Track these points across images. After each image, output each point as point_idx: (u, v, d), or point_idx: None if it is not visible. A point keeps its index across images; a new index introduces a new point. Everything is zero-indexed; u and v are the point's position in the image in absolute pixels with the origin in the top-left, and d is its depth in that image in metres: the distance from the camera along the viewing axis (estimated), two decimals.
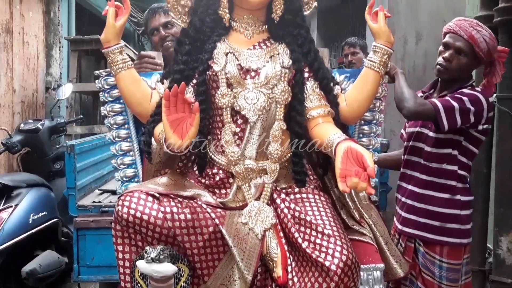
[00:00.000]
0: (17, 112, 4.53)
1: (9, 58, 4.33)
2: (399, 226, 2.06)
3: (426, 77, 4.19)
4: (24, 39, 4.65)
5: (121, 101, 1.71)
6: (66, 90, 4.02)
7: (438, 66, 1.95)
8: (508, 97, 2.15)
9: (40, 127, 3.66)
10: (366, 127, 1.79)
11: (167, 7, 1.64)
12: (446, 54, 1.90)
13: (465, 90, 1.88)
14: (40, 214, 2.81)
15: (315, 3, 1.66)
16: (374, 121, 1.79)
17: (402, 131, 2.22)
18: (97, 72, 1.74)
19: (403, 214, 2.05)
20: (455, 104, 1.81)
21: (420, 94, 2.09)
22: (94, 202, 2.44)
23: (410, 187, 2.04)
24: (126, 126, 1.75)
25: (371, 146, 1.79)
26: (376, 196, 2.87)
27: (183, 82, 1.37)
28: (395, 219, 2.15)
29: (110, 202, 2.42)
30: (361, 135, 1.80)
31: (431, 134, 1.98)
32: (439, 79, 2.01)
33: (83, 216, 2.31)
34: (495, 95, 2.20)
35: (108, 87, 1.72)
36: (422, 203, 1.99)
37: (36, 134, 3.62)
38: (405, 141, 2.13)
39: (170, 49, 2.13)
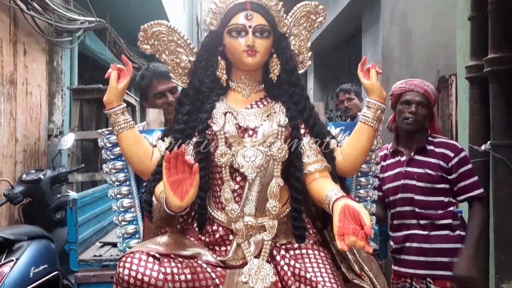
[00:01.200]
0: (19, 161, 4.57)
1: (13, 109, 4.42)
2: (410, 271, 2.20)
3: None
4: (28, 89, 4.76)
5: (122, 158, 1.75)
6: (68, 140, 4.08)
7: (406, 121, 2.22)
8: (502, 145, 2.19)
9: (42, 177, 3.70)
10: (363, 179, 1.82)
11: (168, 69, 1.70)
12: (412, 109, 2.20)
13: (463, 155, 2.19)
14: (41, 267, 2.79)
15: (309, 62, 1.74)
16: (371, 173, 1.82)
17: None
18: (99, 130, 1.79)
19: (412, 258, 2.20)
20: (474, 178, 2.17)
21: (384, 151, 2.36)
22: (95, 256, 2.43)
23: (412, 232, 2.20)
24: (127, 183, 1.78)
25: (368, 198, 1.82)
26: (376, 244, 2.88)
27: (183, 145, 1.42)
28: (396, 267, 2.27)
29: (111, 255, 2.41)
30: (358, 187, 1.83)
31: (419, 184, 2.20)
32: (398, 134, 2.33)
33: (84, 271, 2.30)
34: (489, 142, 2.25)
35: (110, 145, 1.76)
36: (428, 243, 2.17)
37: (38, 185, 3.65)
38: (386, 196, 2.33)
39: (171, 115, 2.19)
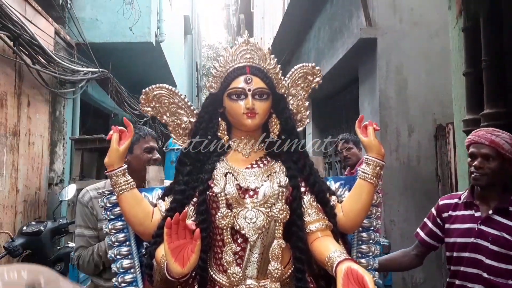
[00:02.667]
0: (20, 211, 4.56)
1: (15, 160, 4.45)
2: None
3: (421, 167, 4.28)
4: (30, 139, 4.81)
5: (122, 218, 1.73)
6: (70, 191, 4.09)
7: (473, 175, 2.03)
8: None
9: (43, 229, 3.67)
10: (364, 234, 1.81)
11: (169, 129, 1.73)
12: (476, 163, 1.99)
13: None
14: None
15: (308, 120, 1.77)
16: (372, 228, 1.81)
17: (423, 236, 2.23)
18: (100, 191, 1.80)
19: None
20: None
21: (455, 200, 2.16)
22: None
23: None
24: (127, 243, 1.76)
25: (370, 253, 1.80)
26: None
27: (185, 210, 1.43)
28: None
29: None
30: (360, 242, 1.81)
31: (493, 247, 1.97)
32: (475, 186, 2.09)
33: None
34: None
35: (110, 205, 1.76)
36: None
37: (38, 237, 3.62)
38: (448, 250, 2.14)
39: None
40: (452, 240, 2.10)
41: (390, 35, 4.35)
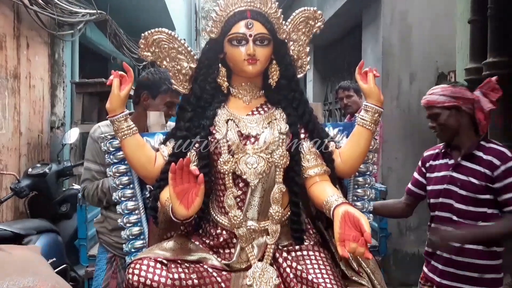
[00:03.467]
0: (23, 154, 4.63)
1: (17, 102, 4.46)
2: (438, 279, 2.15)
3: (421, 115, 4.29)
4: (31, 82, 4.79)
5: (125, 162, 1.77)
6: (73, 135, 4.14)
7: (436, 134, 2.18)
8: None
9: (48, 171, 3.76)
10: (360, 179, 1.86)
11: (169, 75, 1.74)
12: (429, 124, 2.19)
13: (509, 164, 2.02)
14: (50, 261, 2.87)
15: (308, 66, 1.78)
16: (368, 173, 1.86)
17: (410, 185, 2.35)
18: (102, 135, 1.83)
19: (441, 267, 2.14)
20: None
21: (436, 150, 2.28)
22: None
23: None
24: (131, 186, 1.81)
25: (366, 197, 1.86)
26: (376, 241, 2.94)
27: (188, 156, 1.46)
28: (426, 269, 2.25)
29: None
30: (356, 186, 1.87)
31: (461, 192, 2.09)
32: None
33: (93, 266, 2.37)
34: None
35: (113, 149, 1.79)
36: (460, 257, 2.08)
37: (44, 178, 3.72)
38: (428, 197, 2.26)
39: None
40: (430, 187, 2.23)
41: None
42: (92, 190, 2.25)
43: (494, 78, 2.07)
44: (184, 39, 1.72)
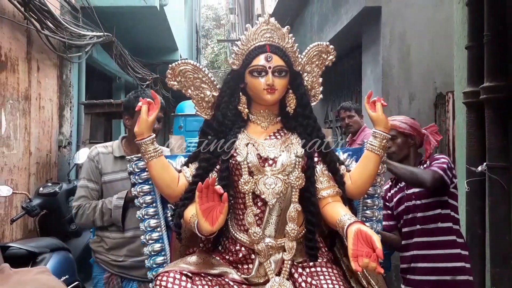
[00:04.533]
0: (33, 173, 4.74)
1: (27, 123, 4.59)
2: None
3: None
4: (41, 104, 4.93)
5: (149, 182, 1.90)
6: (82, 155, 4.25)
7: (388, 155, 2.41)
8: (497, 166, 2.35)
9: (58, 190, 3.87)
10: (369, 201, 1.98)
11: (193, 102, 1.86)
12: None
13: (437, 156, 2.35)
14: (63, 278, 2.95)
15: (321, 96, 1.91)
16: (376, 195, 1.98)
17: (384, 223, 2.53)
18: (128, 157, 1.95)
19: (418, 277, 2.33)
20: (440, 166, 2.28)
21: (389, 184, 2.57)
22: None
23: (413, 252, 2.33)
24: (154, 204, 1.93)
25: (374, 218, 1.98)
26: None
27: (214, 176, 1.58)
28: (404, 287, 2.42)
29: None
30: (365, 208, 1.98)
31: (417, 202, 2.38)
32: None
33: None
34: (485, 164, 2.42)
35: (138, 170, 1.92)
36: (430, 263, 2.29)
37: (54, 198, 3.83)
38: (398, 220, 2.50)
39: None
40: (396, 212, 2.51)
41: (394, 4, 4.40)
42: (89, 209, 2.35)
43: (434, 125, 2.58)
44: (206, 68, 1.85)
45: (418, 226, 2.36)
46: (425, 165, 2.40)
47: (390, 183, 2.59)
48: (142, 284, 2.39)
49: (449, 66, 3.52)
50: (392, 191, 2.55)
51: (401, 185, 2.49)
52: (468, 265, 2.28)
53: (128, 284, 2.39)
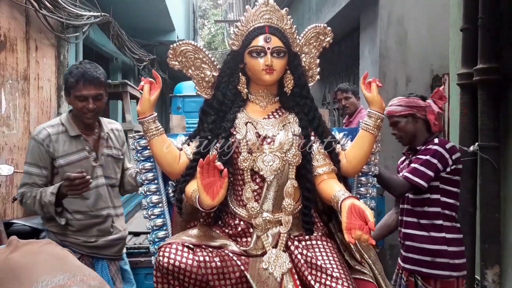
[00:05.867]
0: None
1: (26, 103, 4.61)
2: (402, 264, 2.42)
3: None
4: (39, 84, 4.94)
5: (151, 160, 1.96)
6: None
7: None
8: (489, 146, 2.42)
9: None
10: (363, 178, 2.05)
11: (193, 82, 1.91)
12: (392, 131, 2.48)
13: (428, 147, 2.34)
14: None
15: (318, 76, 1.97)
16: (370, 173, 2.05)
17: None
18: (131, 135, 2.01)
19: (403, 253, 2.41)
20: (419, 166, 2.29)
21: (404, 158, 2.56)
22: None
23: (403, 230, 2.41)
24: (155, 181, 1.99)
25: (368, 195, 2.05)
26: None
27: (214, 152, 1.64)
28: (399, 258, 2.50)
29: (134, 244, 2.64)
30: (359, 185, 2.06)
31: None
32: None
33: None
34: (477, 143, 2.49)
35: (140, 148, 1.98)
36: (414, 242, 2.35)
37: None
38: None
39: (89, 121, 2.27)
40: None
41: None
42: (29, 199, 2.21)
43: (441, 88, 2.45)
44: (205, 49, 1.90)
45: (406, 206, 2.43)
46: (429, 146, 2.36)
47: (403, 157, 2.59)
48: (113, 262, 2.38)
49: (446, 48, 3.55)
50: (402, 165, 2.56)
51: (407, 161, 2.48)
52: (451, 249, 2.30)
53: (98, 263, 2.33)
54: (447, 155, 2.30)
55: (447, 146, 2.34)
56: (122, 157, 2.47)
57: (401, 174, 2.37)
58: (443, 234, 2.30)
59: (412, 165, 2.32)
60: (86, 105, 2.22)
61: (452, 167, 2.32)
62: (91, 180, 2.16)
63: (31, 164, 2.25)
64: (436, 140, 2.36)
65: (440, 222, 2.31)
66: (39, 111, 4.96)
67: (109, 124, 2.46)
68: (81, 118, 2.28)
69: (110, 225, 2.35)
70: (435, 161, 2.27)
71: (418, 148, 2.42)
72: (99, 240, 2.31)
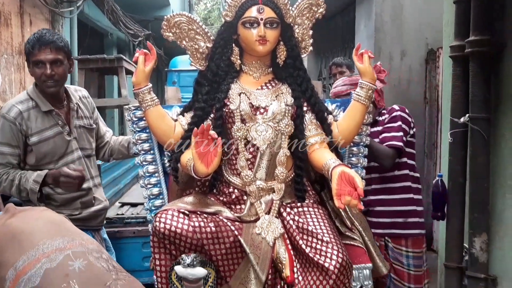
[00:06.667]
0: None
1: (22, 78, 4.62)
2: (373, 230, 2.44)
3: (410, 90, 4.53)
4: None
5: (147, 130, 1.99)
6: None
7: None
8: (479, 117, 2.44)
9: None
10: (354, 148, 2.10)
11: (188, 53, 1.93)
12: None
13: (393, 115, 2.40)
14: None
15: (311, 48, 1.99)
16: (361, 143, 2.10)
17: None
18: (126, 106, 2.04)
19: (373, 219, 2.47)
20: (396, 133, 2.37)
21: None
22: (118, 214, 2.72)
23: (372, 197, 2.47)
24: (151, 151, 2.03)
25: (359, 164, 2.11)
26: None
27: (209, 122, 1.68)
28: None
29: (132, 214, 2.71)
30: (350, 155, 2.11)
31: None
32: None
33: (108, 227, 2.59)
34: (467, 115, 2.52)
35: (136, 119, 2.01)
36: (386, 207, 2.44)
37: None
38: None
39: (50, 89, 2.14)
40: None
41: None
42: (5, 182, 2.15)
43: (378, 63, 2.52)
44: (202, 23, 1.91)
45: (374, 175, 2.46)
46: (384, 117, 2.46)
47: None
48: (96, 232, 2.37)
49: (441, 22, 3.55)
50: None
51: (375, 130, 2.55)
52: (419, 208, 2.41)
53: None
54: (409, 119, 2.43)
55: (407, 111, 2.47)
56: (94, 126, 2.40)
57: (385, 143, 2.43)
58: (411, 195, 2.41)
59: (387, 134, 2.38)
60: (44, 71, 2.11)
61: (414, 130, 2.46)
62: (87, 177, 2.20)
63: (3, 143, 2.15)
64: (396, 107, 2.46)
65: (408, 184, 2.42)
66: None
67: (76, 93, 2.37)
68: (42, 87, 2.17)
69: (92, 197, 2.33)
70: (404, 126, 2.38)
71: (377, 118, 2.49)
72: (83, 212, 2.28)
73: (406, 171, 2.43)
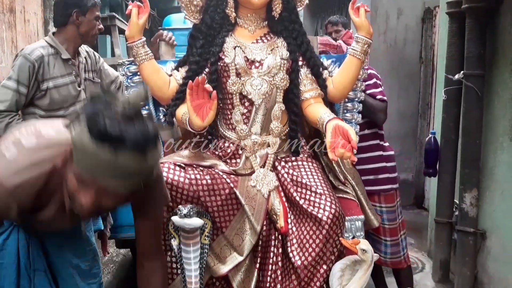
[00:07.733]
0: None
1: (13, 36, 4.54)
2: None
3: (406, 50, 4.51)
4: (26, 17, 4.84)
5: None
6: None
7: None
8: (473, 74, 2.46)
9: None
10: (349, 104, 2.10)
11: (181, 6, 1.90)
12: None
13: (370, 72, 2.34)
14: None
15: (307, 1, 1.96)
16: (356, 99, 2.10)
17: None
18: (120, 61, 2.02)
19: None
20: (379, 89, 2.34)
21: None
22: None
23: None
24: (146, 107, 2.03)
25: (353, 120, 2.12)
26: None
27: (203, 75, 1.68)
28: None
29: None
30: (345, 111, 2.12)
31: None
32: None
33: None
34: (462, 72, 2.53)
35: (130, 74, 2.00)
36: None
37: None
38: None
39: (94, 42, 2.44)
40: None
41: None
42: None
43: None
44: None
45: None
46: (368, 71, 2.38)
47: None
48: None
49: None
50: None
51: None
52: (389, 164, 2.41)
53: None
54: (379, 76, 2.41)
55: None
56: (98, 80, 2.50)
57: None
58: (380, 153, 2.41)
59: (372, 90, 2.33)
60: (99, 25, 2.36)
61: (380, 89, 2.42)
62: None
63: (18, 81, 2.15)
64: (365, 66, 2.39)
65: (377, 141, 2.41)
66: (26, 44, 4.88)
67: (83, 48, 2.46)
68: (88, 39, 2.37)
69: None
70: (378, 81, 2.37)
71: None
72: None
73: (376, 130, 2.41)
